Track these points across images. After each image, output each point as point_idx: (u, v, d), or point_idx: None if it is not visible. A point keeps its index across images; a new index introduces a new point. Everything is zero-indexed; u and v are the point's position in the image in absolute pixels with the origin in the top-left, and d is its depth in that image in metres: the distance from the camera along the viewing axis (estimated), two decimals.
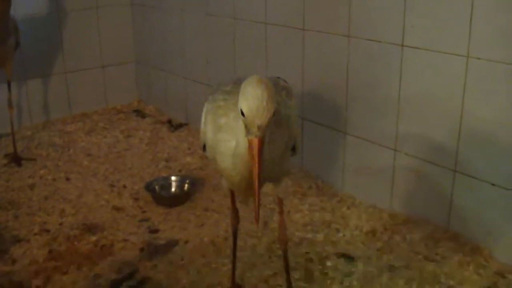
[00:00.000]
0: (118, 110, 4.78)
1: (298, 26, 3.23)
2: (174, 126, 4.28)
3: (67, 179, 3.52)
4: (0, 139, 4.17)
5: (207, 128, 2.04)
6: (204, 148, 2.17)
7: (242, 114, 1.68)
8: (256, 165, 1.69)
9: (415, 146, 2.80)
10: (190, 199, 3.20)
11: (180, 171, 3.55)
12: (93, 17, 4.63)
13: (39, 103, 4.55)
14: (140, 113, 4.65)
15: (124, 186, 3.39)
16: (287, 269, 2.31)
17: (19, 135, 4.11)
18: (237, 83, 2.03)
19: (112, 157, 3.80)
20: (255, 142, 1.68)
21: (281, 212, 2.25)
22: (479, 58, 2.43)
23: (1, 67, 3.67)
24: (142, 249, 2.75)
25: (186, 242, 2.80)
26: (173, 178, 3.33)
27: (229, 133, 1.91)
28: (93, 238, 2.85)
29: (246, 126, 1.70)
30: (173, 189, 3.29)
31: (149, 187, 3.24)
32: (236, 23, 3.66)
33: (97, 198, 3.27)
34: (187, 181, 3.29)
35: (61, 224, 3.00)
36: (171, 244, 2.79)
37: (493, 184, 2.51)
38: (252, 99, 1.67)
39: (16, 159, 3.78)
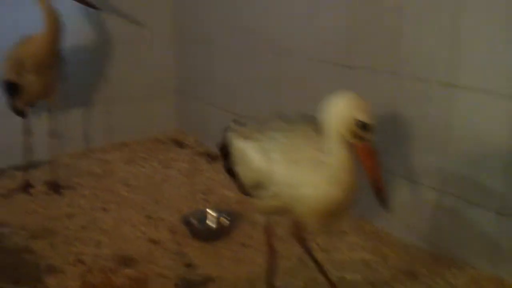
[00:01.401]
0: (157, 139, 4.79)
1: (344, 63, 3.18)
2: (212, 158, 4.25)
3: (105, 209, 3.50)
4: (40, 165, 4.20)
5: (278, 166, 2.10)
6: (246, 189, 2.24)
7: (363, 126, 1.89)
8: (377, 163, 1.96)
9: (460, 186, 2.71)
10: (227, 234, 3.15)
11: (218, 204, 3.50)
12: (138, 47, 4.69)
13: (80, 131, 4.60)
14: (179, 144, 4.65)
15: (161, 218, 3.35)
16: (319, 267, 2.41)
17: (59, 162, 4.12)
18: (283, 118, 2.27)
19: (150, 188, 3.78)
20: (373, 146, 1.95)
21: None
22: None
23: (47, 97, 3.72)
24: (176, 285, 2.70)
25: (222, 278, 2.74)
26: (210, 211, 3.28)
27: (311, 163, 2.04)
28: (128, 271, 2.82)
29: (357, 136, 1.91)
30: (210, 223, 3.25)
31: (186, 220, 3.20)
32: (280, 58, 3.64)
33: (134, 229, 3.24)
34: (225, 215, 3.24)
35: (96, 255, 2.98)
36: (206, 280, 2.73)
37: None
38: (368, 109, 1.91)
39: (55, 187, 3.80)
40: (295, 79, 3.56)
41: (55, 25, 3.44)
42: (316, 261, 2.49)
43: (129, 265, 2.87)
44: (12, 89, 3.65)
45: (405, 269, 2.75)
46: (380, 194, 1.99)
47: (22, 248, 3.07)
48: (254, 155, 2.19)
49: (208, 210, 3.30)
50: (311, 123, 2.16)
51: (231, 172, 2.42)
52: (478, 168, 2.61)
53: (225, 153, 2.47)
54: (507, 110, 2.43)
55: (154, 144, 4.67)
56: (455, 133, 2.67)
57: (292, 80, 3.59)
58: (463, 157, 2.67)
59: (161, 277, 2.76)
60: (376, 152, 1.96)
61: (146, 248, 3.04)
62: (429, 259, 2.82)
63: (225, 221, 3.21)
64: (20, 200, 3.69)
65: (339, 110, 1.93)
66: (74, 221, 3.37)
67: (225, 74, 4.25)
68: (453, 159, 2.71)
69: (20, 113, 3.88)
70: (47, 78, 3.61)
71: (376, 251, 2.93)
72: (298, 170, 2.06)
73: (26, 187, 3.84)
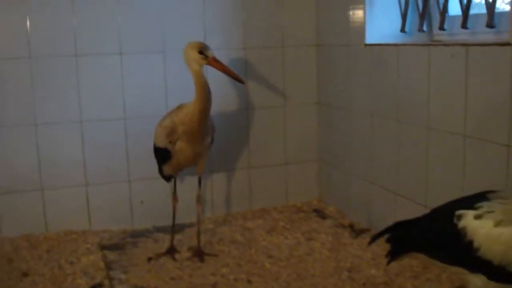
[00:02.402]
0: (297, 208, 4.76)
1: (502, 142, 3.01)
2: (356, 231, 4.14)
3: (249, 281, 3.46)
4: (185, 229, 4.29)
5: None
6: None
7: None
8: None
9: None
10: None
11: (364, 284, 3.37)
12: (280, 114, 4.73)
13: (222, 196, 4.67)
14: (320, 213, 4.59)
15: None
16: None
17: (201, 227, 4.16)
18: None
19: (293, 261, 3.70)
20: None
21: None
22: None
23: (195, 164, 3.80)
24: None
25: None
26: None
27: None
28: None
29: None
30: None
31: None
32: (430, 133, 3.51)
33: None
34: None
35: None
36: None
37: None
38: None
39: (199, 254, 3.83)
40: (446, 157, 3.41)
41: (205, 95, 3.55)
42: None
43: None
44: (163, 155, 3.76)
45: None
46: None
47: None
48: None
49: None
50: None
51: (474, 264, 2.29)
52: None
53: (449, 243, 2.36)
54: None
55: (295, 213, 4.62)
56: None
57: (442, 158, 3.44)
58: None
59: None
60: None
61: None
62: None
63: None
64: (166, 265, 3.74)
65: None
66: None
67: (367, 144, 4.17)
68: None
69: (167, 178, 4.00)
70: (197, 146, 3.69)
71: None
72: None
73: (172, 252, 3.90)
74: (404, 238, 2.56)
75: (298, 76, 4.76)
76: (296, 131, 4.81)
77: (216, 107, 4.18)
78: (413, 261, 3.46)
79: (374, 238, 2.70)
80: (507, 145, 2.97)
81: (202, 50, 3.54)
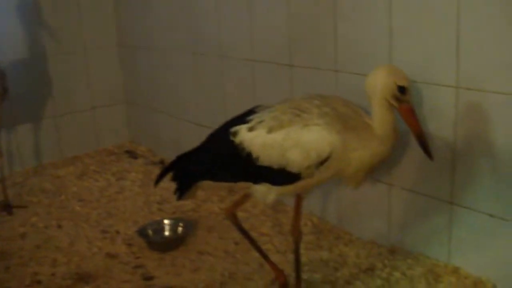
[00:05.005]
0: (109, 151, 4.75)
1: (285, 62, 3.20)
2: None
3: (59, 226, 3.45)
4: None
5: (336, 144, 2.17)
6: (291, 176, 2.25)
7: (402, 90, 2.19)
8: (418, 120, 2.26)
9: (411, 179, 2.75)
10: (184, 243, 3.14)
11: (173, 213, 3.49)
12: (81, 59, 4.63)
13: (30, 148, 4.52)
14: (132, 154, 4.61)
15: (117, 232, 3.31)
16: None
17: (9, 181, 4.04)
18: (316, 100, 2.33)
19: (104, 201, 3.74)
20: (412, 106, 2.25)
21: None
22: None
23: None
24: None
25: None
26: (166, 221, 3.26)
27: (363, 128, 2.25)
28: None
29: (398, 100, 2.20)
30: (166, 233, 3.22)
31: (142, 232, 3.17)
32: (223, 61, 3.64)
33: (90, 245, 3.19)
34: (180, 224, 3.23)
35: (53, 274, 2.93)
36: None
37: (491, 215, 2.46)
38: (405, 76, 2.22)
39: (6, 207, 3.72)
40: (239, 81, 3.57)
41: None
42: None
43: (88, 282, 2.84)
44: None
45: (363, 265, 2.78)
46: (424, 145, 2.27)
47: None
48: (315, 134, 2.19)
49: (164, 220, 3.28)
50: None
51: (252, 174, 2.35)
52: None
53: (231, 161, 2.38)
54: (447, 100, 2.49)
55: (107, 156, 4.62)
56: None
57: (236, 82, 3.61)
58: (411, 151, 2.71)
59: None
60: (415, 110, 2.24)
61: (103, 263, 3.00)
62: (386, 253, 2.86)
63: (181, 229, 3.20)
64: None
65: (382, 79, 2.20)
66: (28, 241, 3.30)
67: (169, 80, 4.24)
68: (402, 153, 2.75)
69: None
70: None
71: (333, 249, 2.95)
72: (356, 135, 2.21)
73: None
74: (187, 170, 2.56)
75: (95, 18, 4.65)
76: (100, 75, 4.74)
77: (9, 55, 4.03)
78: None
79: (159, 178, 2.66)
80: (289, 65, 3.17)
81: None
